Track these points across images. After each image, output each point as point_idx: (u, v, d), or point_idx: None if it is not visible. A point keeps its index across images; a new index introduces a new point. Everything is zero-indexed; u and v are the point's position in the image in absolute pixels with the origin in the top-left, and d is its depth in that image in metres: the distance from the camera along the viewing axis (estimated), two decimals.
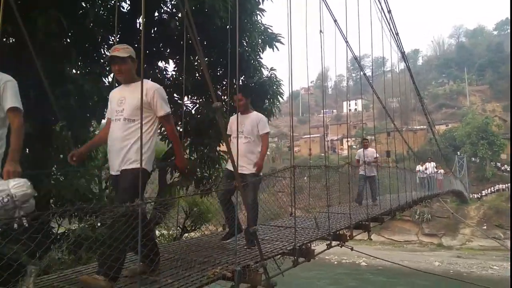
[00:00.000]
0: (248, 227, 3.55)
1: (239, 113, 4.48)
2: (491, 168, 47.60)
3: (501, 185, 43.82)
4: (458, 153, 47.81)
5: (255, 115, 4.64)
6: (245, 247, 4.09)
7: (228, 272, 3.07)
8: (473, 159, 48.15)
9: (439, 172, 22.12)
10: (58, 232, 6.01)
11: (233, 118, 4.80)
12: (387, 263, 23.31)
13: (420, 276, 20.87)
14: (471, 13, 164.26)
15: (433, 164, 20.49)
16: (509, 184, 43.18)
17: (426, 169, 19.04)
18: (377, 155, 10.13)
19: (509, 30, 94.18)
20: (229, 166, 4.28)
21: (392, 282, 25.67)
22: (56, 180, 5.86)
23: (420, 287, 23.55)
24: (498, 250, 34.56)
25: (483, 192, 43.77)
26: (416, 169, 18.25)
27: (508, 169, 47.82)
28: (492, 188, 43.97)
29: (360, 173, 9.53)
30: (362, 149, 10.35)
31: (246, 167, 4.25)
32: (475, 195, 43.41)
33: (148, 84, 3.11)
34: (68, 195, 5.22)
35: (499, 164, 48.66)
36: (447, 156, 42.08)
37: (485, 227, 36.39)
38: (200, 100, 8.39)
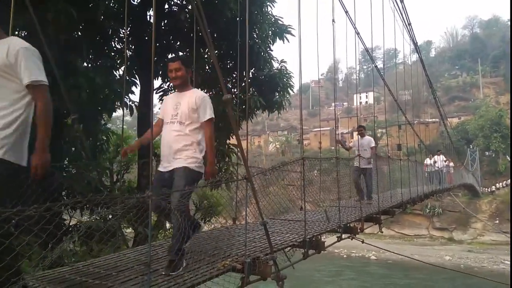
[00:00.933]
0: (177, 251, 2.95)
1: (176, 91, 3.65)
2: (504, 162, 46.90)
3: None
4: (471, 146, 47.17)
5: (194, 93, 3.41)
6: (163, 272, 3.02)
7: (238, 264, 3.07)
8: (486, 153, 47.48)
9: (449, 165, 20.88)
10: (70, 224, 6.10)
11: (167, 98, 3.79)
12: (397, 257, 23.27)
13: (430, 270, 20.80)
14: (486, 3, 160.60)
15: (442, 157, 18.80)
16: None
17: (435, 162, 17.58)
18: (374, 145, 8.83)
19: None
20: (161, 167, 3.30)
21: (398, 275, 25.62)
22: (68, 173, 5.93)
23: (430, 281, 23.46)
24: (509, 245, 34.18)
25: (495, 185, 43.21)
26: (425, 162, 17.08)
27: None
28: (505, 182, 43.37)
29: (355, 164, 8.48)
30: (358, 137, 9.24)
31: (178, 164, 3.21)
32: (487, 188, 42.89)
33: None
34: (80, 187, 5.28)
35: None
36: (459, 149, 41.56)
37: (497, 221, 35.96)
38: (210, 93, 8.38)
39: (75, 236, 2.02)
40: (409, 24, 11.46)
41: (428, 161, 17.58)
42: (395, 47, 18.44)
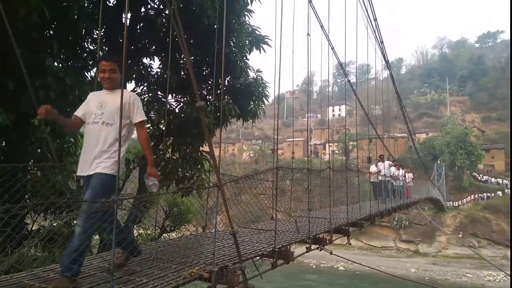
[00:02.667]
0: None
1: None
2: (468, 178, 48.75)
3: (477, 195, 44.92)
4: (438, 161, 48.78)
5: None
6: None
7: (205, 272, 3.03)
8: (454, 169, 49.18)
9: (404, 175, 16.42)
10: (33, 228, 5.85)
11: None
12: (365, 268, 23.58)
13: (397, 282, 21.17)
14: (455, 25, 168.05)
15: (388, 163, 14.03)
16: (485, 194, 44.36)
17: (380, 171, 13.09)
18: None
19: (490, 44, 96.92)
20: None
21: (366, 287, 25.98)
22: (32, 175, 5.70)
23: None
24: (472, 258, 35.32)
25: (461, 201, 44.75)
26: (370, 170, 13.76)
27: (484, 179, 49.11)
28: (470, 197, 45.03)
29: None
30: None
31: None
32: (451, 203, 44.35)
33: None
34: (44, 190, 5.08)
35: (476, 174, 49.88)
36: (426, 164, 42.86)
37: (460, 235, 37.20)
38: (185, 99, 8.31)
39: (35, 241, 1.93)
40: (381, 42, 11.83)
41: (373, 168, 13.83)
42: (367, 63, 18.93)
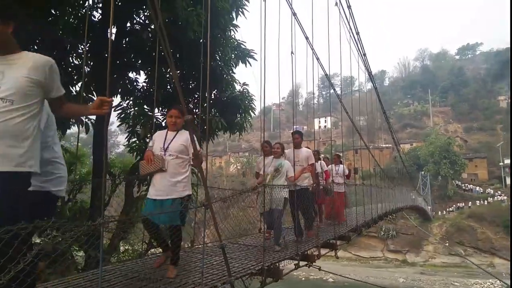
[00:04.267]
0: None
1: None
2: (453, 187, 49.49)
3: (461, 203, 45.56)
4: (422, 171, 49.43)
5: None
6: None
7: None
8: (439, 177, 49.85)
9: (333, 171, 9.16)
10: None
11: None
12: (354, 280, 23.51)
13: None
14: (435, 37, 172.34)
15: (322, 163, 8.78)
16: (470, 202, 44.95)
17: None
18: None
19: (470, 55, 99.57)
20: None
21: None
22: None
23: None
24: (459, 267, 35.71)
25: (446, 210, 45.29)
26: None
27: (469, 187, 49.89)
28: (456, 205, 45.64)
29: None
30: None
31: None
32: (439, 212, 44.88)
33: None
34: None
35: (460, 183, 50.68)
36: (411, 174, 43.39)
37: (447, 244, 37.58)
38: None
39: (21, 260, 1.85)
40: (364, 54, 12.03)
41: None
42: (351, 75, 19.19)
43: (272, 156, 5.85)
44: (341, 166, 9.33)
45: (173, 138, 3.84)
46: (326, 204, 8.54)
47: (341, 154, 10.15)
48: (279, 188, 5.39)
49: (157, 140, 3.92)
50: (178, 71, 7.87)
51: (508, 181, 48.19)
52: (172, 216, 3.61)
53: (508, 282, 23.63)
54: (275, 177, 5.61)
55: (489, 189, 48.93)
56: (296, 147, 6.45)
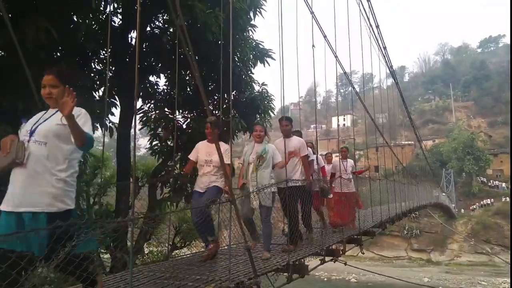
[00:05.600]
0: None
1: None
2: (478, 183, 48.24)
3: (487, 200, 44.36)
4: (446, 168, 48.38)
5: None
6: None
7: None
8: (463, 174, 48.70)
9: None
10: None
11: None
12: (378, 279, 23.28)
13: None
14: (456, 30, 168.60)
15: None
16: (508, 198, 43.72)
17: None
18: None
19: (492, 48, 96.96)
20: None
21: None
22: None
23: None
24: (486, 265, 34.76)
25: (471, 207, 44.21)
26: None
27: (494, 184, 48.55)
28: (479, 203, 44.49)
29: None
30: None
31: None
32: (462, 210, 43.85)
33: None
34: None
35: (485, 179, 49.36)
36: (434, 171, 42.53)
37: (473, 242, 36.67)
38: (191, 114, 8.35)
39: (53, 263, 1.92)
40: (385, 48, 11.86)
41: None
42: (371, 71, 18.97)
43: (254, 142, 5.00)
44: (349, 161, 8.11)
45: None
46: (329, 208, 7.28)
47: (348, 147, 8.94)
48: (265, 180, 4.58)
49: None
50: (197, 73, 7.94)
51: None
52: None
53: None
54: (259, 167, 4.65)
55: None
56: (286, 136, 5.43)
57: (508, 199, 43.31)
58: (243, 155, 4.95)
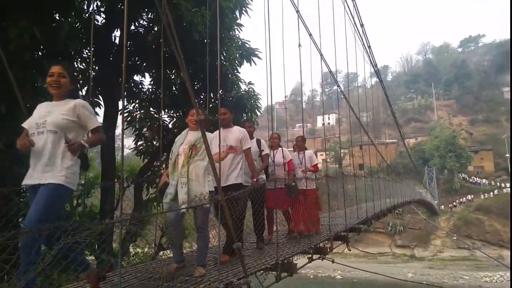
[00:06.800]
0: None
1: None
2: (459, 180, 49.25)
3: (468, 196, 45.30)
4: (428, 165, 49.22)
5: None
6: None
7: None
8: (445, 171, 49.60)
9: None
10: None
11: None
12: (363, 276, 23.54)
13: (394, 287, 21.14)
14: (437, 30, 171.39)
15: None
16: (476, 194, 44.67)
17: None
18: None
19: (472, 48, 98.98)
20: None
21: None
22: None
23: None
24: (468, 260, 35.54)
25: (453, 203, 45.06)
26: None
27: (475, 180, 49.61)
28: (459, 200, 45.40)
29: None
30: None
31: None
32: (442, 206, 44.66)
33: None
34: None
35: (466, 176, 50.42)
36: (417, 168, 43.22)
37: (455, 237, 37.43)
38: (177, 114, 8.30)
39: (39, 266, 1.87)
40: (369, 47, 11.98)
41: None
42: (356, 71, 19.16)
43: (187, 129, 4.06)
44: (308, 152, 6.68)
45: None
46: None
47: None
48: (200, 176, 3.67)
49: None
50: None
51: None
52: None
53: None
54: (191, 159, 3.71)
55: (495, 182, 48.63)
56: (225, 126, 4.56)
57: (487, 195, 44.33)
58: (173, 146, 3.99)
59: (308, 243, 5.26)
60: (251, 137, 5.12)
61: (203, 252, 3.71)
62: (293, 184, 5.60)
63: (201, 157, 3.71)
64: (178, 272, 3.62)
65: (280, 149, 5.96)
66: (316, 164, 6.71)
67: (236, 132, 4.52)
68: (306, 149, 6.71)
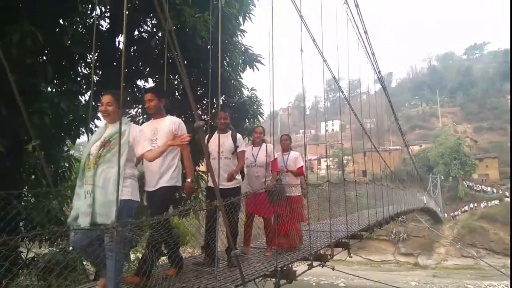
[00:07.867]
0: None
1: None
2: (464, 188, 48.89)
3: (473, 204, 44.96)
4: (432, 173, 48.91)
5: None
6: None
7: None
8: (449, 179, 49.27)
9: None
10: (28, 257, 5.71)
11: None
12: (366, 283, 23.33)
13: None
14: (442, 38, 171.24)
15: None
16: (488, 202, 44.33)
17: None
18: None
19: (477, 55, 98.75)
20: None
21: None
22: (26, 202, 5.60)
23: None
24: (472, 269, 35.17)
25: (457, 211, 44.72)
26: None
27: (480, 188, 49.26)
28: (462, 208, 45.07)
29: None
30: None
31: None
32: (446, 214, 44.31)
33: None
34: (39, 217, 4.97)
35: (471, 184, 50.05)
36: (421, 175, 42.95)
37: (459, 246, 37.09)
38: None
39: (33, 272, 1.86)
40: (373, 53, 11.97)
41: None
42: (360, 77, 19.13)
43: (105, 122, 3.21)
44: (293, 153, 5.91)
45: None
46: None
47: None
48: (110, 182, 2.78)
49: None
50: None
51: None
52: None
53: None
54: (100, 160, 2.87)
55: (500, 190, 48.22)
56: (157, 115, 3.93)
57: (491, 203, 43.97)
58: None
59: (309, 249, 5.22)
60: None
61: (113, 276, 2.76)
62: (277, 187, 4.66)
63: (111, 156, 2.83)
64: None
65: (264, 145, 5.21)
66: (301, 167, 5.81)
67: (166, 121, 3.87)
68: (291, 149, 6.00)
